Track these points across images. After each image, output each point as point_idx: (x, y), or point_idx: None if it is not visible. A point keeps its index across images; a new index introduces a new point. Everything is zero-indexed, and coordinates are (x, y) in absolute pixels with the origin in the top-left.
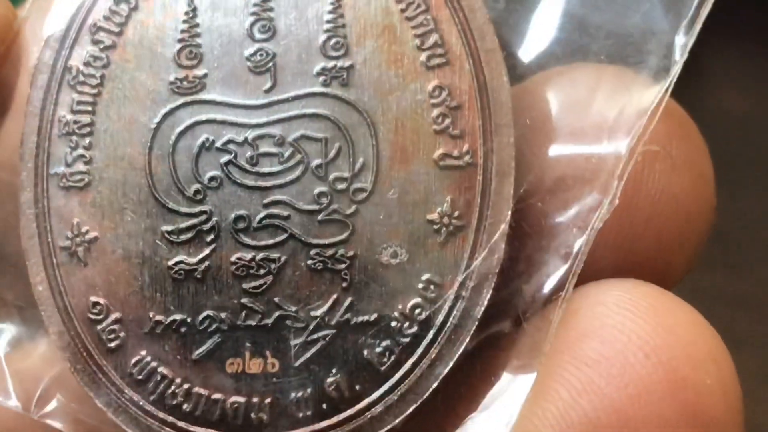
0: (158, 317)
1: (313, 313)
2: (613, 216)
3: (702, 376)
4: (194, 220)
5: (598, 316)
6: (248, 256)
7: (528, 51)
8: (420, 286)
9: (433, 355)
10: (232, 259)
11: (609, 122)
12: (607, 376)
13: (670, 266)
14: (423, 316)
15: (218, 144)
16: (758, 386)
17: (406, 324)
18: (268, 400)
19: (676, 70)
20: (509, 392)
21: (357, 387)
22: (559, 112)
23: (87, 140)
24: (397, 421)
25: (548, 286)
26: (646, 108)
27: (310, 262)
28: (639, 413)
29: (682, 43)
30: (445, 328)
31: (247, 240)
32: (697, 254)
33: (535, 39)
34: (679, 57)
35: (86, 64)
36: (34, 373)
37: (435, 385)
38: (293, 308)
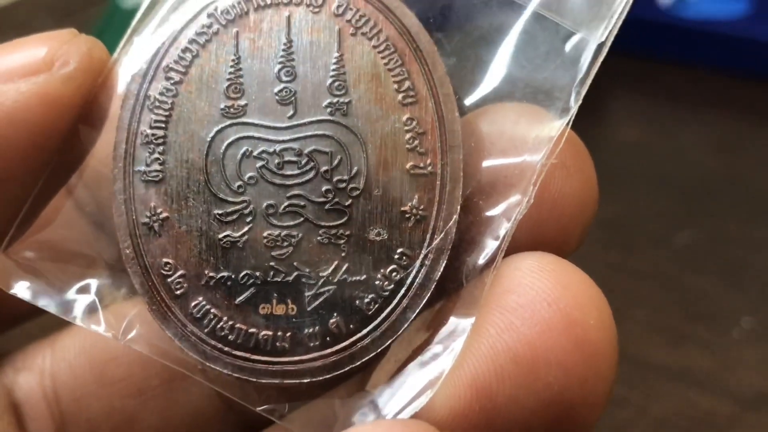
0: (211, 274)
1: (321, 274)
2: (528, 210)
3: (587, 317)
4: (237, 207)
5: (516, 277)
6: (275, 233)
7: (471, 95)
8: (396, 256)
9: (405, 305)
10: (264, 234)
11: (528, 144)
12: (521, 318)
13: (566, 242)
14: (398, 277)
15: (255, 153)
16: (647, 331)
17: (386, 282)
18: (288, 334)
19: (573, 110)
20: (456, 331)
21: (351, 326)
22: (493, 137)
23: (161, 148)
24: (378, 350)
25: (484, 259)
26: (553, 135)
27: (319, 238)
28: (544, 344)
29: (578, 92)
30: (413, 286)
31: (275, 221)
32: (585, 234)
33: (476, 86)
34: (574, 102)
35: (161, 93)
36: (120, 311)
37: (406, 325)
38: (307, 270)
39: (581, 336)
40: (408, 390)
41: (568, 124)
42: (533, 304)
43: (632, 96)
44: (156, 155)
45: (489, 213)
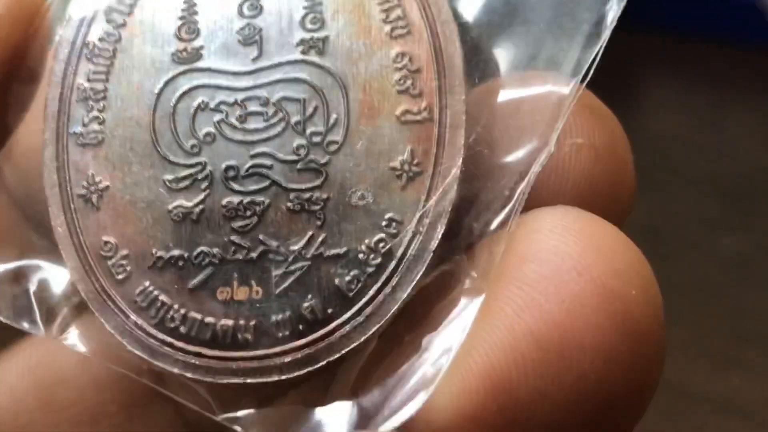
0: (159, 253)
1: (291, 248)
2: (543, 201)
3: (627, 288)
4: (191, 170)
5: (535, 242)
6: (236, 200)
7: (475, 21)
8: (383, 223)
9: (395, 283)
10: (223, 202)
11: (548, 79)
12: (545, 293)
13: None
14: (385, 248)
15: (212, 105)
16: (687, 355)
17: (372, 256)
18: (252, 323)
19: (606, 35)
20: (461, 313)
21: (329, 310)
22: (505, 69)
23: (101, 104)
24: (363, 338)
25: (494, 223)
26: (581, 69)
27: (289, 204)
28: (575, 324)
29: (612, 12)
30: (405, 259)
31: (236, 186)
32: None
33: (481, 10)
34: (609, 24)
35: (101, 39)
36: (54, 304)
37: (396, 307)
38: (275, 244)
39: (622, 311)
40: (400, 387)
41: (597, 55)
42: (559, 275)
43: (670, 80)
44: (95, 113)
45: (499, 165)
